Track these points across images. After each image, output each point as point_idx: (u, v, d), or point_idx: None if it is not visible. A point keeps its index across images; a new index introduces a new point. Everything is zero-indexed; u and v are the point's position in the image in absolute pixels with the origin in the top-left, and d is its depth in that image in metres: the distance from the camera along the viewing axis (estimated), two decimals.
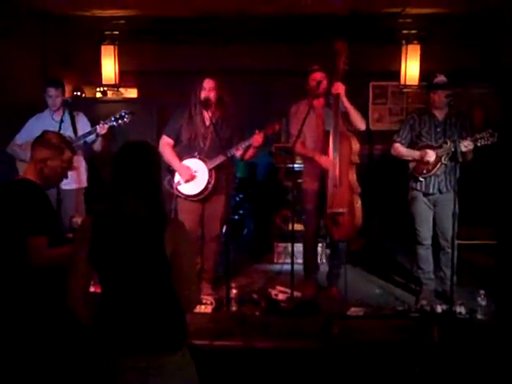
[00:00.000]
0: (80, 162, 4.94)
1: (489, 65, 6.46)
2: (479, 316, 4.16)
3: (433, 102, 4.60)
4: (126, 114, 4.75)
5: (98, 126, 4.74)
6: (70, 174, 4.66)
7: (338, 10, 5.64)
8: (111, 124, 4.74)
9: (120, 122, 4.74)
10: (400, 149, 4.72)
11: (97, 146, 4.91)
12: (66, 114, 4.83)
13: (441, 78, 4.56)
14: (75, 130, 4.82)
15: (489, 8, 5.62)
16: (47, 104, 4.92)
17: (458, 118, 4.61)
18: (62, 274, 2.41)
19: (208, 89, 4.52)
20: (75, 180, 4.87)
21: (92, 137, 4.80)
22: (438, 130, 4.59)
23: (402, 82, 6.48)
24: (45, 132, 3.03)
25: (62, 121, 4.62)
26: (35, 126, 4.61)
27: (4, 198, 2.84)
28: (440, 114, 4.61)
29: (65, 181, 4.66)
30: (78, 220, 3.34)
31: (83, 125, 4.90)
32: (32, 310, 2.75)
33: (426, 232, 4.67)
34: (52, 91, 4.88)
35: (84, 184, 5.03)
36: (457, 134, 4.46)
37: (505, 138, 4.43)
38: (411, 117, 4.78)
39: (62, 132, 4.72)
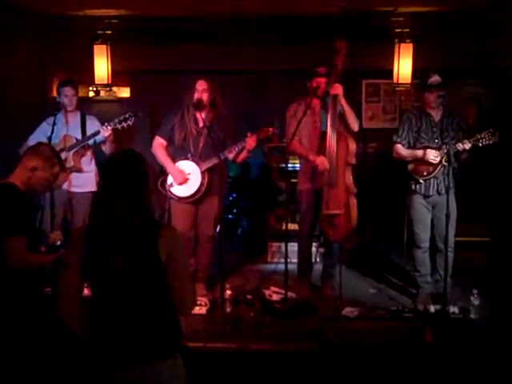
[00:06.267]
0: (92, 166, 4.92)
1: (482, 62, 6.47)
2: (472, 315, 4.18)
3: (428, 101, 4.55)
4: (130, 116, 4.70)
5: (101, 128, 4.72)
6: (81, 177, 4.82)
7: (331, 9, 5.64)
8: (115, 126, 4.70)
9: (124, 124, 4.70)
10: (401, 150, 4.63)
11: (106, 148, 4.84)
12: (78, 117, 4.85)
13: (435, 78, 4.49)
14: (84, 133, 4.82)
15: (481, 6, 5.64)
16: (61, 105, 4.82)
17: (453, 118, 4.57)
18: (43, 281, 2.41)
19: (201, 90, 4.50)
20: (87, 184, 4.83)
21: (100, 137, 4.76)
22: (435, 130, 4.53)
23: (395, 80, 6.47)
24: (40, 143, 3.10)
25: (71, 123, 4.68)
26: (48, 128, 4.56)
27: None
28: (435, 114, 4.56)
29: (76, 184, 4.74)
30: (54, 236, 3.27)
31: (93, 128, 4.82)
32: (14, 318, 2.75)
33: (424, 235, 4.63)
34: (69, 90, 4.83)
35: (94, 188, 4.93)
36: (453, 134, 4.45)
37: (498, 134, 4.42)
38: (407, 116, 4.68)
39: (69, 134, 4.77)
